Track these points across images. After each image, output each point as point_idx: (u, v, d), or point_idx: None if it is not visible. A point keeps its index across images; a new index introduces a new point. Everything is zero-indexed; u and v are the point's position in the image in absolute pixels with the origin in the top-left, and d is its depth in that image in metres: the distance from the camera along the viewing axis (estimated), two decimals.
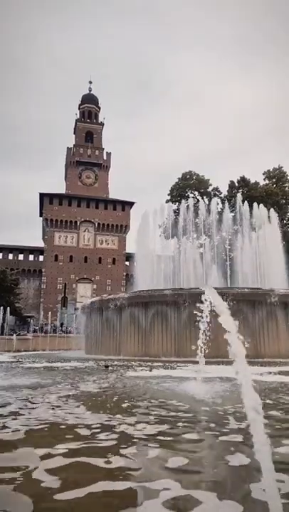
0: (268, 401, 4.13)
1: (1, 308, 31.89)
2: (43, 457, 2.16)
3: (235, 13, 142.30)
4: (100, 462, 2.07)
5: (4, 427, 2.91)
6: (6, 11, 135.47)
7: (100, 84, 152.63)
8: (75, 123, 70.04)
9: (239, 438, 2.54)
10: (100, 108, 71.81)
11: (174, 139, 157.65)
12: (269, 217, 22.60)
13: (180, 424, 3.03)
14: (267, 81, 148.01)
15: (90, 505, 1.59)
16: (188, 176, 51.02)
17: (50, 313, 41.43)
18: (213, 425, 2.99)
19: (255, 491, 1.63)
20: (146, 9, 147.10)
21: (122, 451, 2.27)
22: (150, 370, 8.16)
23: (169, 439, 2.60)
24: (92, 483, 1.76)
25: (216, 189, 50.38)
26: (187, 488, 1.72)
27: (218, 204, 30.78)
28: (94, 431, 2.76)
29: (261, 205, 24.19)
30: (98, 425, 2.93)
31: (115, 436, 2.62)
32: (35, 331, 40.34)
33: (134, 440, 2.53)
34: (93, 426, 2.90)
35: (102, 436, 2.62)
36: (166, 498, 1.60)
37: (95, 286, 59.19)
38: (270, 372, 7.48)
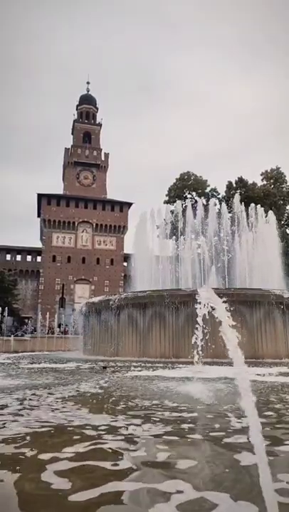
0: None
1: None
2: (49, 460, 2.19)
3: (235, 13, 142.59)
4: (107, 464, 2.09)
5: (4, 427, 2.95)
6: (6, 11, 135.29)
7: (100, 84, 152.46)
8: (73, 123, 69.94)
9: (244, 437, 2.53)
10: (97, 108, 71.77)
11: (174, 139, 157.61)
12: (267, 217, 22.69)
13: (184, 424, 3.05)
14: (267, 81, 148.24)
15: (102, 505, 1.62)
16: (186, 177, 50.99)
17: (48, 314, 41.36)
18: (217, 425, 3.01)
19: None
20: (146, 9, 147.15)
21: (131, 452, 2.29)
22: (148, 371, 8.18)
23: (175, 438, 2.62)
24: (104, 483, 1.81)
25: (214, 190, 50.39)
26: (199, 489, 1.73)
27: (215, 205, 30.83)
28: (100, 432, 2.77)
29: (259, 205, 24.28)
30: (104, 426, 2.94)
31: (122, 437, 2.64)
32: (32, 332, 40.23)
33: (142, 441, 2.54)
34: (99, 427, 2.91)
35: (109, 437, 2.64)
36: (179, 500, 1.61)
37: (93, 287, 59.10)
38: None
